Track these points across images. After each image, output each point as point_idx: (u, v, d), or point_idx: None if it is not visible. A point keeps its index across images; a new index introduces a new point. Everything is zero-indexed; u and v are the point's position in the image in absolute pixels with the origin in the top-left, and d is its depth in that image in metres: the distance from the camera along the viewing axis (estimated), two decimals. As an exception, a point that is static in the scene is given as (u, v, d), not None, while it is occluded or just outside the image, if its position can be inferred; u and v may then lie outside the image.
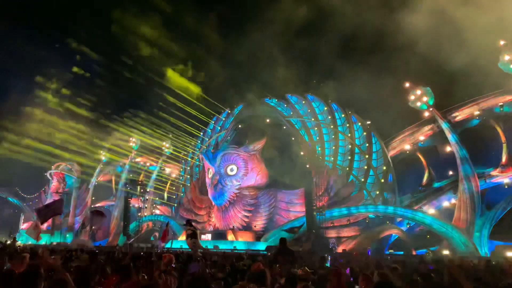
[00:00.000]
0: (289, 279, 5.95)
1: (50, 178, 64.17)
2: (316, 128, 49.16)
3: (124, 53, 59.17)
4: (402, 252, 34.44)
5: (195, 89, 55.77)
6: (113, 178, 63.15)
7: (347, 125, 46.62)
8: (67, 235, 54.32)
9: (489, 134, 39.54)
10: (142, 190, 53.35)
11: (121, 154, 61.42)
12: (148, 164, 62.27)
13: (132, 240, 44.88)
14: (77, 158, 62.25)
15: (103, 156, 61.92)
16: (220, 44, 61.21)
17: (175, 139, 59.40)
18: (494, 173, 37.00)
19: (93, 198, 62.29)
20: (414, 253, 34.46)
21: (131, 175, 57.80)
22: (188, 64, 57.49)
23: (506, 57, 35.47)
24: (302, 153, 47.01)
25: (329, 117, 48.20)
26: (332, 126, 47.51)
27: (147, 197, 55.82)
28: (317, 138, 48.57)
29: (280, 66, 53.88)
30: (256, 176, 46.49)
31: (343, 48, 52.37)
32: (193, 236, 14.31)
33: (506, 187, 36.55)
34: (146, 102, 60.36)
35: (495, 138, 38.79)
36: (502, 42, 35.97)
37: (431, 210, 39.13)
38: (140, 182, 52.71)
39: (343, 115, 47.28)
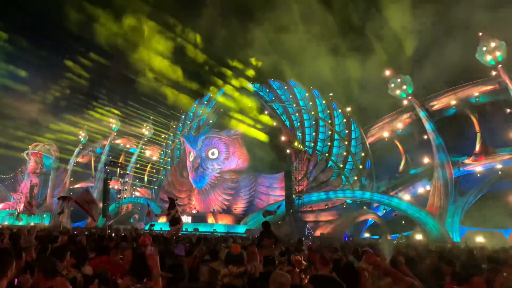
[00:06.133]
0: (268, 260, 6.14)
1: (28, 158, 62.88)
2: (297, 114, 49.52)
3: (105, 35, 57.58)
4: (377, 237, 35.47)
5: (176, 72, 55.07)
6: (92, 160, 62.43)
7: (328, 111, 47.12)
8: (45, 216, 53.70)
9: (465, 123, 40.69)
10: (122, 172, 52.96)
11: (101, 135, 60.80)
12: (128, 146, 61.75)
13: (111, 221, 44.71)
14: (55, 138, 61.30)
15: (82, 137, 61.08)
16: (202, 25, 60.18)
17: (156, 122, 59.15)
18: (467, 161, 38.20)
19: (72, 179, 61.58)
20: (389, 237, 35.53)
21: (110, 157, 57.27)
22: (171, 47, 56.47)
23: (484, 48, 36.39)
24: (283, 138, 47.40)
25: (311, 103, 48.61)
26: (313, 112, 47.95)
27: (126, 179, 55.48)
28: (298, 124, 48.99)
29: (262, 51, 53.74)
30: (237, 160, 46.73)
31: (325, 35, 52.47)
32: (178, 221, 14.44)
33: (478, 175, 37.86)
34: (128, 85, 59.46)
35: (470, 128, 39.93)
36: (480, 34, 36.87)
37: (407, 196, 40.27)
38: (120, 164, 52.25)
39: (324, 102, 47.73)
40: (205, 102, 56.96)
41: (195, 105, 58.29)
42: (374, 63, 46.03)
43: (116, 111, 58.71)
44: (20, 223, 40.37)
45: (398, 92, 40.75)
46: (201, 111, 56.69)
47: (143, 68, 55.80)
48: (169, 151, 59.79)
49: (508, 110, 37.66)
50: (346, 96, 46.75)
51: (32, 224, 43.33)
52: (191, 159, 47.66)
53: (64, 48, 61.58)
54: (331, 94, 46.50)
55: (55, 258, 4.72)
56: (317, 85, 48.46)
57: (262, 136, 47.37)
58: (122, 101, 58.81)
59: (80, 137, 61.28)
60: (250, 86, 53.56)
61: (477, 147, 38.03)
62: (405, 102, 41.39)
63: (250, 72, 52.87)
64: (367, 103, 44.65)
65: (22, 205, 57.75)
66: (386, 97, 41.97)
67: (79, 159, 62.66)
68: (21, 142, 60.21)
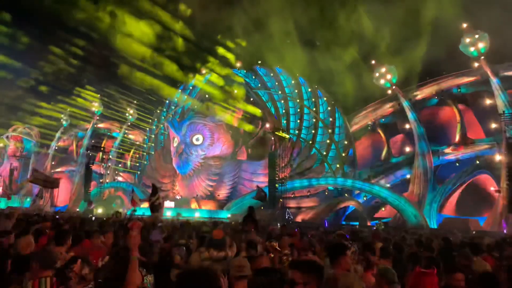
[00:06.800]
0: (250, 244, 6.25)
1: (7, 141, 61.57)
2: (282, 101, 49.61)
3: (86, 18, 55.84)
4: (357, 223, 36.16)
5: (160, 58, 54.23)
6: (74, 143, 61.48)
7: (313, 99, 47.35)
8: (25, 200, 52.88)
9: (446, 113, 41.45)
10: (104, 157, 52.42)
11: (83, 118, 59.82)
12: (111, 130, 60.99)
13: (92, 206, 44.40)
14: (36, 121, 59.99)
15: (64, 120, 60.05)
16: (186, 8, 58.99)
17: (140, 107, 58.50)
18: (447, 150, 39.01)
19: (53, 163, 60.63)
20: (369, 224, 36.29)
21: (93, 141, 56.49)
22: (155, 32, 55.35)
23: (467, 40, 36.90)
24: (268, 125, 47.54)
25: (296, 91, 48.72)
26: (298, 100, 48.10)
27: (109, 164, 54.97)
28: (283, 111, 49.11)
29: (249, 35, 53.22)
30: (222, 146, 46.75)
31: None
32: (159, 207, 14.57)
33: (457, 164, 38.75)
34: (111, 69, 58.32)
35: (451, 118, 40.69)
36: (464, 25, 37.32)
37: (388, 184, 41.01)
38: (102, 149, 51.65)
39: (309, 89, 47.89)
40: (190, 88, 56.47)
41: (179, 91, 57.75)
42: (358, 52, 46.21)
43: (98, 95, 57.75)
44: None
45: (382, 81, 41.16)
46: (185, 97, 56.21)
47: (127, 53, 54.70)
48: (153, 136, 59.34)
49: (489, 101, 38.39)
50: (331, 84, 46.92)
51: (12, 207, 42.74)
52: (175, 144, 47.46)
53: (45, 31, 59.74)
54: (316, 86, 46.72)
55: (57, 243, 4.79)
56: (301, 73, 48.48)
57: (246, 126, 47.44)
58: (105, 86, 57.80)
59: (62, 120, 60.21)
60: (236, 72, 53.28)
61: (457, 137, 38.83)
62: (389, 91, 41.88)
63: (231, 56, 52.60)
64: (352, 91, 44.97)
65: (0, 189, 56.83)
66: (370, 86, 42.42)
67: (61, 143, 61.64)
68: (1, 125, 58.95)
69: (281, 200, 37.15)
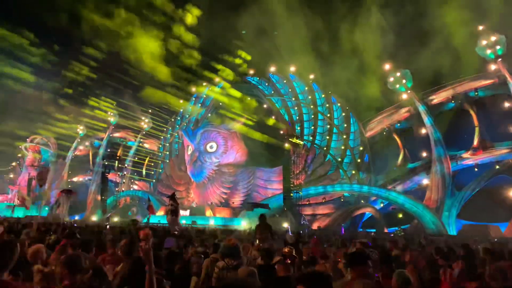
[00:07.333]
0: (266, 252, 6.16)
1: (26, 151, 62.83)
2: (296, 108, 49.47)
3: (99, 30, 56.64)
4: (374, 230, 35.59)
5: (174, 68, 54.67)
6: (91, 152, 62.36)
7: (327, 105, 47.08)
8: (43, 209, 53.62)
9: (463, 117, 40.63)
10: (120, 165, 52.94)
11: (99, 128, 60.65)
12: (126, 139, 61.68)
13: (109, 214, 44.77)
14: (54, 131, 61.02)
15: (81, 130, 61.00)
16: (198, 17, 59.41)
17: (154, 115, 59.05)
18: (465, 155, 38.17)
19: (70, 172, 61.52)
20: (386, 231, 35.68)
21: (109, 150, 57.19)
22: (169, 44, 55.91)
23: (484, 42, 36.26)
24: (281, 131, 47.39)
25: (309, 97, 48.54)
26: (312, 106, 47.90)
27: (124, 172, 55.48)
28: (297, 117, 48.96)
29: (260, 44, 53.31)
30: (236, 153, 46.78)
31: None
32: (173, 213, 14.62)
33: (476, 169, 37.88)
34: (126, 79, 59.13)
35: (468, 122, 39.87)
36: (480, 27, 36.72)
37: (404, 190, 40.32)
38: (118, 157, 52.22)
39: (323, 95, 47.67)
40: (204, 96, 56.81)
41: (193, 99, 58.17)
42: (372, 56, 45.76)
43: (114, 103, 58.57)
44: (17, 216, 40.35)
45: (397, 86, 40.66)
46: (199, 105, 56.60)
47: (140, 64, 55.35)
48: (168, 144, 59.76)
49: (507, 104, 37.53)
50: (345, 89, 46.49)
51: (37, 216, 43.31)
52: (189, 152, 47.69)
53: (63, 45, 61.07)
54: (330, 92, 46.49)
55: (84, 250, 4.85)
56: (316, 79, 48.29)
57: (258, 135, 47.35)
58: (121, 96, 58.56)
59: (78, 130, 61.19)
60: (249, 80, 53.45)
61: (475, 141, 38.00)
62: (404, 96, 41.32)
63: (244, 67, 52.85)
64: (366, 97, 44.49)
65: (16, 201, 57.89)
66: (385, 91, 41.93)
67: (77, 152, 62.60)
68: (20, 136, 60.16)
69: (285, 208, 36.82)
